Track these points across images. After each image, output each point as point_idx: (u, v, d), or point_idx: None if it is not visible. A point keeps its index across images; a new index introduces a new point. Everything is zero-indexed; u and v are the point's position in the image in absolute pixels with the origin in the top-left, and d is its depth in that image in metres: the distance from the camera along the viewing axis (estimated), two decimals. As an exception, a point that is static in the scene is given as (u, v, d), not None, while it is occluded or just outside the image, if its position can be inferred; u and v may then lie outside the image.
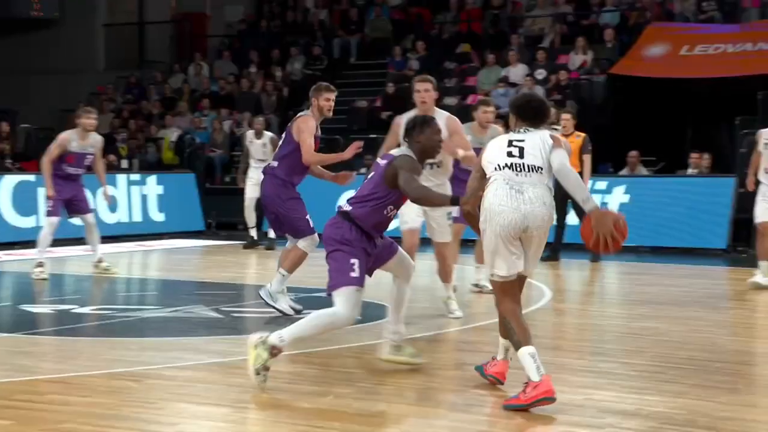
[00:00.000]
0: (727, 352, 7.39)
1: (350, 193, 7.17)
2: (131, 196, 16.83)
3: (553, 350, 7.34)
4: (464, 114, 19.70)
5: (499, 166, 5.63)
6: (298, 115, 8.88)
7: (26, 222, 14.88)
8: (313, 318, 5.96)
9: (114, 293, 10.78)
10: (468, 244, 10.92)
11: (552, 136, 5.75)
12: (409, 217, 8.27)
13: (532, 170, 5.60)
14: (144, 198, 17.02)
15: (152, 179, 17.41)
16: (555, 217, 5.93)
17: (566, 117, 13.19)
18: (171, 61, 25.21)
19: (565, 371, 6.51)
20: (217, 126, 20.55)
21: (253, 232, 15.12)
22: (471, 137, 9.19)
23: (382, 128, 19.98)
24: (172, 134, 20.72)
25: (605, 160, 16.50)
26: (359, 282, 5.96)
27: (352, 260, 5.98)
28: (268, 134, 15.07)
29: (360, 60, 23.21)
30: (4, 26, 24.23)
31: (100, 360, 6.73)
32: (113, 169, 18.07)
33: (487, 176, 5.69)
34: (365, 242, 6.08)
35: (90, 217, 11.37)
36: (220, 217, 18.23)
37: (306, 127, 8.51)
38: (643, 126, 17.11)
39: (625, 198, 14.87)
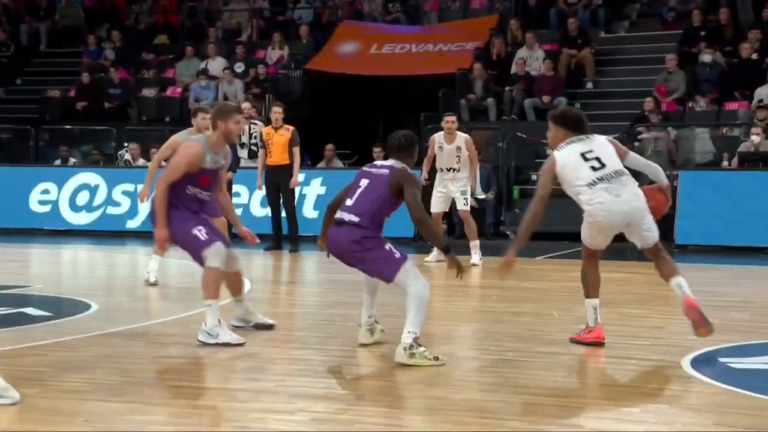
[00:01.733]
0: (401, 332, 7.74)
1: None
2: None
3: (248, 339, 7.41)
4: (164, 106, 19.52)
5: (591, 183, 6.57)
6: (185, 139, 8.23)
7: None
8: (413, 304, 6.37)
9: None
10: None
11: (609, 140, 6.89)
12: None
13: (619, 174, 6.62)
14: None
15: None
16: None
17: (277, 111, 13.37)
18: None
19: (258, 359, 6.61)
20: None
21: None
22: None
23: (77, 119, 19.42)
24: None
25: (302, 153, 16.78)
26: (405, 258, 6.49)
27: (386, 246, 6.54)
28: None
29: (51, 48, 22.31)
30: None
31: None
32: None
33: (577, 193, 6.61)
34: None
35: None
36: None
37: (185, 154, 6.98)
38: (338, 120, 17.58)
39: (322, 190, 15.20)
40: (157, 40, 21.67)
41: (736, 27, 17.44)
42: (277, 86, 19.00)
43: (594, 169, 6.62)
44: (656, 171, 7.12)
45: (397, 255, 6.48)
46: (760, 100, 15.42)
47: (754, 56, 16.45)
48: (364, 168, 6.84)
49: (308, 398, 5.49)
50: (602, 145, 6.78)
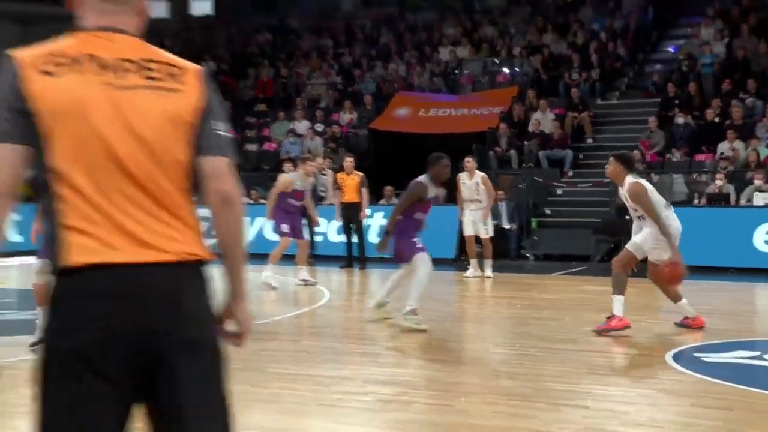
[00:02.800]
0: (452, 333, 7.75)
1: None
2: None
3: (330, 337, 7.47)
4: (262, 157, 19.76)
5: (667, 206, 7.20)
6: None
7: None
8: (416, 282, 7.33)
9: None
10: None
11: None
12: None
13: (670, 204, 7.34)
14: None
15: None
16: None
17: (349, 160, 13.49)
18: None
19: (335, 353, 6.64)
20: None
21: None
22: (300, 182, 10.68)
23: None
24: None
25: (368, 193, 16.83)
26: (421, 249, 7.42)
27: (413, 239, 7.41)
28: None
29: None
30: None
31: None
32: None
33: (662, 214, 7.08)
34: (412, 232, 7.52)
35: None
36: None
37: None
38: (395, 167, 17.59)
39: (383, 221, 15.20)
40: (257, 107, 21.96)
41: (702, 97, 17.28)
42: (348, 142, 19.14)
43: (662, 197, 7.29)
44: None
45: (417, 246, 7.39)
46: (722, 153, 15.27)
47: (717, 119, 16.32)
48: None
49: (376, 383, 5.52)
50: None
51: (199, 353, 2.08)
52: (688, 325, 7.47)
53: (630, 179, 7.14)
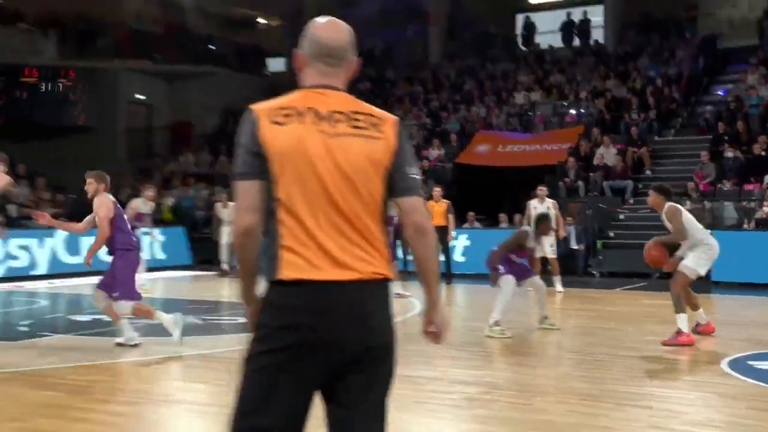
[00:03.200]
0: (529, 341, 7.62)
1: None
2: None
3: (422, 342, 7.43)
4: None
5: (705, 228, 7.12)
6: None
7: (72, 259, 14.37)
8: (498, 301, 7.52)
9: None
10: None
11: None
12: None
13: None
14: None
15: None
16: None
17: (437, 190, 13.45)
18: None
19: (427, 356, 6.56)
20: None
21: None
22: (392, 210, 10.29)
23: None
24: None
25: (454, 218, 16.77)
26: (505, 274, 7.62)
27: (501, 269, 7.67)
28: None
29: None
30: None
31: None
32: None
33: (700, 235, 6.95)
34: (509, 262, 7.74)
35: None
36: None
37: None
38: (477, 196, 17.54)
39: (467, 243, 15.17)
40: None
41: (749, 133, 16.62)
42: (436, 174, 19.14)
43: (707, 222, 6.93)
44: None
45: (502, 272, 7.67)
46: (769, 183, 14.67)
47: (763, 153, 15.68)
48: None
49: (462, 383, 5.48)
50: None
51: (378, 361, 2.18)
52: (700, 331, 7.26)
53: (668, 204, 6.99)
